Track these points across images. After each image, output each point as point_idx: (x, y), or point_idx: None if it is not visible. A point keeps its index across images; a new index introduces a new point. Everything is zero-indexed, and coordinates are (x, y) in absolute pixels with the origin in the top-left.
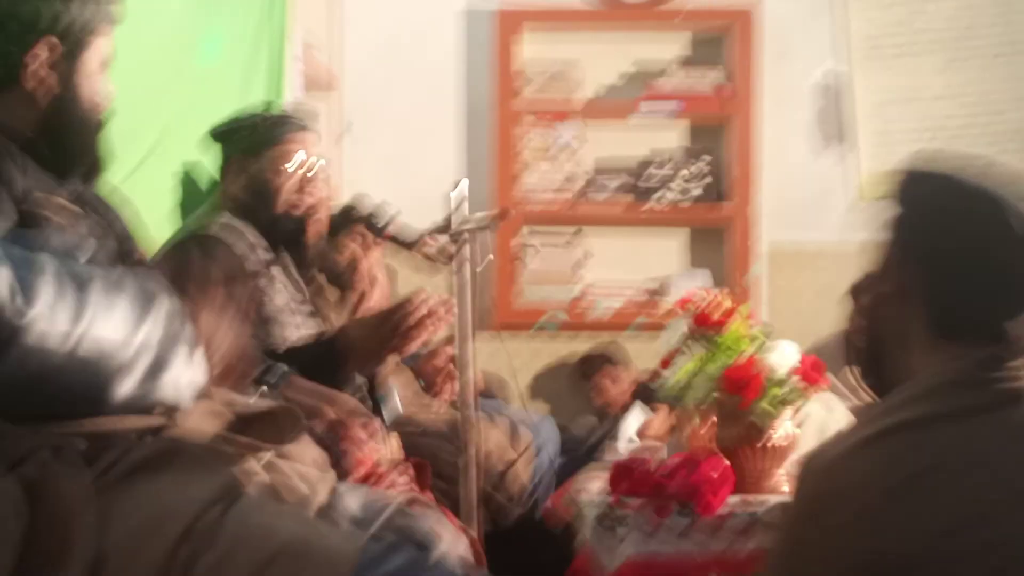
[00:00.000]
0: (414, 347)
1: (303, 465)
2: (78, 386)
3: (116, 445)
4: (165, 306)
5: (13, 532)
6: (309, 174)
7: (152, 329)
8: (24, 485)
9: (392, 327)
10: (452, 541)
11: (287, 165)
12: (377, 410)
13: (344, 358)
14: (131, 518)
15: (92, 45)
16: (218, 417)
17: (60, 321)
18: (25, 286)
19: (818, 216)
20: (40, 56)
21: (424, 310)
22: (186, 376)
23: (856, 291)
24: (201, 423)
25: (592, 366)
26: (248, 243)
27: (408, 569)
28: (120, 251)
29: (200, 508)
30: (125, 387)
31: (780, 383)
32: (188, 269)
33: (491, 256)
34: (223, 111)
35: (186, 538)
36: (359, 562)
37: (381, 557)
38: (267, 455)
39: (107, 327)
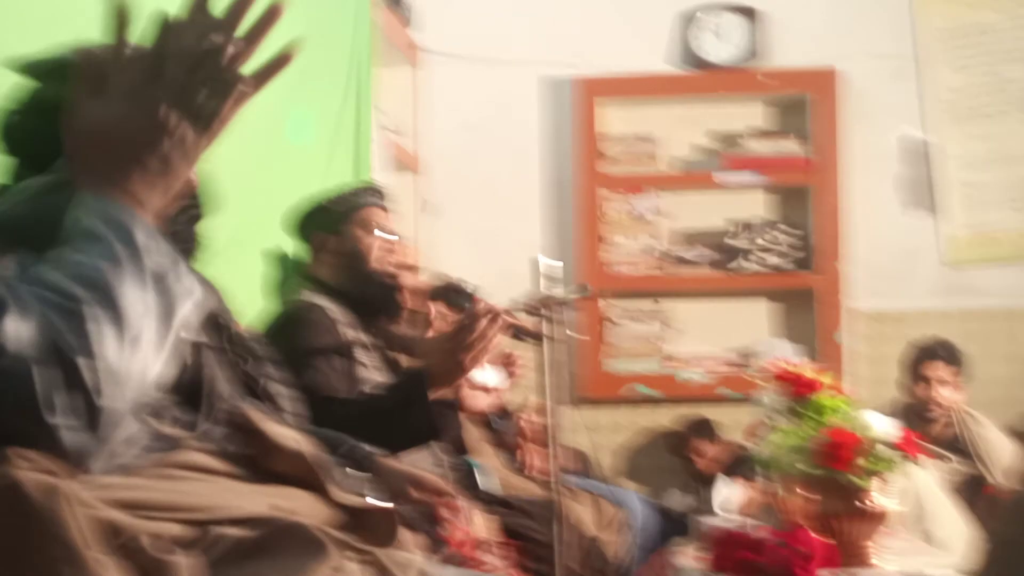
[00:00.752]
0: (487, 354)
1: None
2: None
3: (212, 531)
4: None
5: None
6: (392, 241)
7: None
8: (125, 571)
9: (463, 336)
10: None
11: (371, 229)
12: (465, 482)
13: (428, 380)
14: None
15: None
16: (323, 508)
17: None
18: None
19: (903, 282)
20: None
21: (487, 313)
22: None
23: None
24: (302, 510)
25: (681, 439)
26: (339, 320)
27: None
28: (213, 329)
29: None
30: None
31: (877, 452)
32: (298, 339)
33: (575, 334)
34: (307, 191)
35: None
36: None
37: None
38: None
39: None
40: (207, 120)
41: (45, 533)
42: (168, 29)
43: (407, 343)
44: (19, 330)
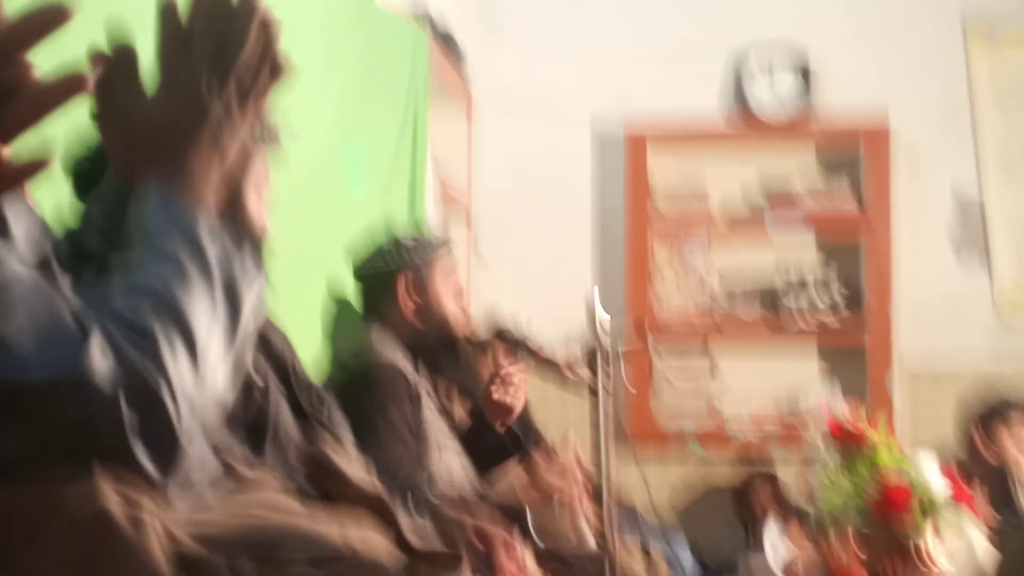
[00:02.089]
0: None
1: None
2: None
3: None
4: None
5: None
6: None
7: None
8: None
9: None
10: None
11: (449, 276)
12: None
13: None
14: None
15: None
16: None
17: None
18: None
19: (954, 334)
20: None
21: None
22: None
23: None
24: (375, 549)
25: (749, 499)
26: (410, 374)
27: None
28: (276, 365)
29: None
30: None
31: (934, 504)
32: (379, 395)
33: (628, 386)
34: (362, 234)
35: None
36: None
37: None
38: None
39: None
40: (246, 92)
41: (134, 566)
42: (196, 4)
43: (468, 386)
44: (106, 355)
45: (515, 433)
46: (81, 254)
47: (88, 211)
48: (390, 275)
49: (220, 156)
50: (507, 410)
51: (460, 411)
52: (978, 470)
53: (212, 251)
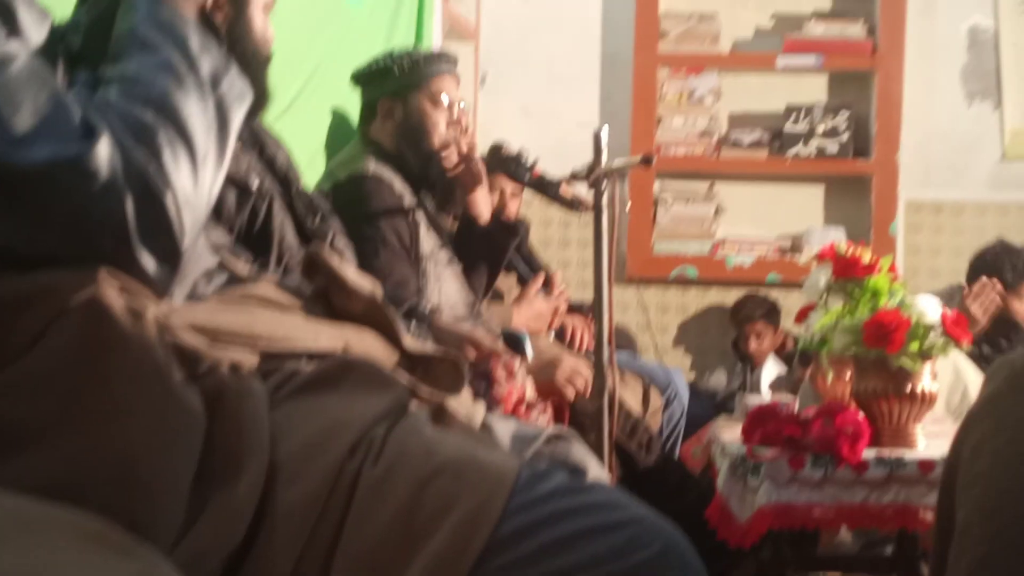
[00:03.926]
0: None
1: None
2: None
3: (288, 363)
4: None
5: (194, 441)
6: (458, 113)
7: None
8: (205, 397)
9: None
10: (600, 471)
11: (440, 101)
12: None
13: None
14: (301, 432)
15: None
16: (392, 354)
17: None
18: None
19: (960, 173)
20: None
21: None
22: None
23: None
24: (372, 351)
25: (747, 315)
26: (397, 187)
27: (567, 488)
28: (282, 185)
29: (366, 425)
30: None
31: (925, 333)
32: (364, 205)
33: (629, 203)
34: (369, 54)
35: (352, 453)
36: (519, 481)
37: (541, 476)
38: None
39: None
40: None
41: (132, 354)
42: None
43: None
44: (113, 158)
45: (500, 222)
46: (71, 56)
47: (78, 16)
48: (386, 97)
49: None
50: (472, 178)
51: None
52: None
53: (205, 67)
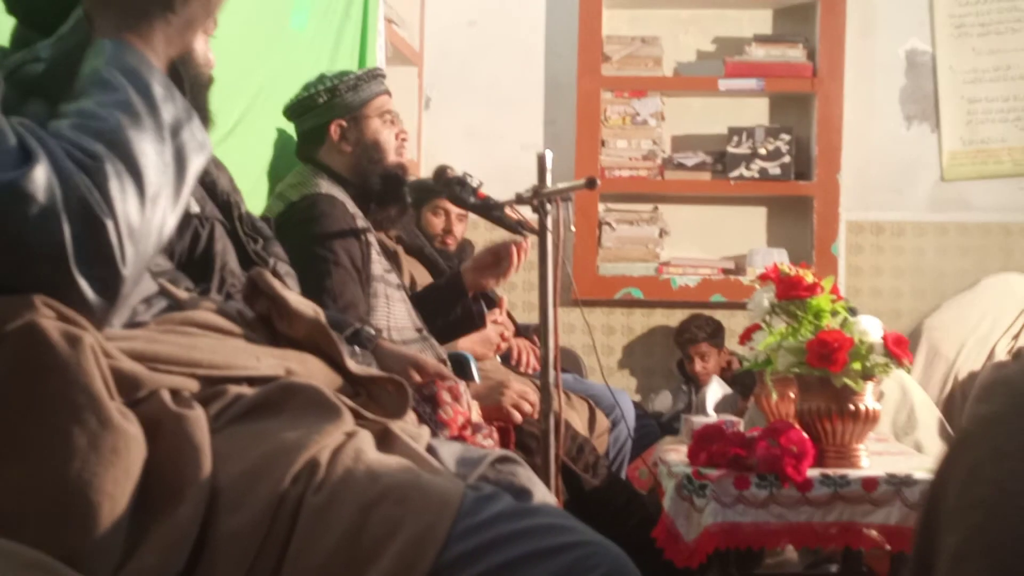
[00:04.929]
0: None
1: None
2: None
3: (229, 388)
4: None
5: (133, 468)
6: (403, 132)
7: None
8: (144, 423)
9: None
10: (546, 493)
11: (387, 118)
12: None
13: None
14: (244, 458)
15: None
16: (335, 377)
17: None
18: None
19: (900, 194)
20: None
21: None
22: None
23: None
24: (315, 375)
25: (691, 337)
26: (350, 208)
27: (513, 511)
28: (224, 209)
29: (309, 450)
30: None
31: (868, 353)
32: (319, 225)
33: (573, 228)
34: (312, 77)
35: (296, 478)
36: (464, 505)
37: (486, 499)
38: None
39: None
40: None
41: (69, 381)
42: None
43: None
44: (51, 183)
45: (483, 299)
46: (25, 85)
47: (40, 48)
48: (336, 118)
49: (186, 26)
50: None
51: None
52: None
53: (166, 114)
